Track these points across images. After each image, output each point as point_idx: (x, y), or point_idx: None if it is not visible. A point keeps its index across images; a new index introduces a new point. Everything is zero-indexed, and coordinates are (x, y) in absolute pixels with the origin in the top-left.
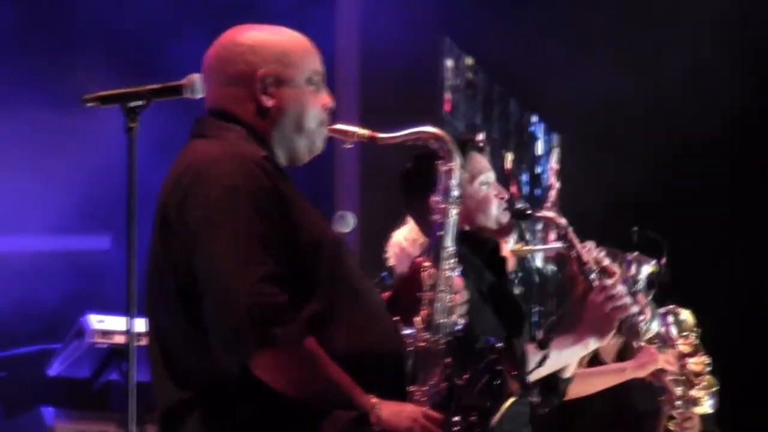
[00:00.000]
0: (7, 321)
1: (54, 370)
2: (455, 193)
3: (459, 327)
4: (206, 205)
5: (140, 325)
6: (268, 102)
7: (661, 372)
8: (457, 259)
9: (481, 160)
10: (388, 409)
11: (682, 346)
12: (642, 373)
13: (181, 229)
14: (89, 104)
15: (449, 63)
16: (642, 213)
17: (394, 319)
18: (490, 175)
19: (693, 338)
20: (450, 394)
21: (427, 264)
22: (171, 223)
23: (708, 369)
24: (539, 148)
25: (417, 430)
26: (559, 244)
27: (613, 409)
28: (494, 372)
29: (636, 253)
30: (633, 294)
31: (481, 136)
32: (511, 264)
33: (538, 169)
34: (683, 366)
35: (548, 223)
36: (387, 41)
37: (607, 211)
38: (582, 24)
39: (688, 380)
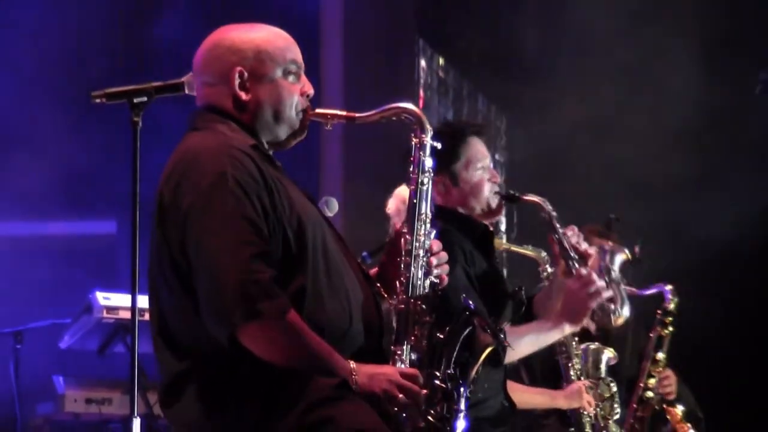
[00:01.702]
0: (26, 296)
1: (65, 342)
2: (428, 163)
3: (437, 287)
4: (197, 191)
5: (143, 301)
6: (245, 96)
7: (580, 409)
8: (431, 225)
9: (479, 145)
10: (364, 373)
11: (604, 387)
12: (566, 405)
13: (175, 214)
14: (97, 100)
15: (422, 63)
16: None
17: (378, 288)
18: (487, 161)
19: (613, 385)
20: (431, 349)
21: (404, 231)
22: (166, 208)
23: (615, 418)
24: (503, 141)
25: (393, 391)
26: (532, 250)
27: None
28: (470, 327)
29: (611, 243)
30: (607, 282)
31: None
32: None
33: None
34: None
35: (534, 207)
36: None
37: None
38: (551, 25)
39: (598, 422)
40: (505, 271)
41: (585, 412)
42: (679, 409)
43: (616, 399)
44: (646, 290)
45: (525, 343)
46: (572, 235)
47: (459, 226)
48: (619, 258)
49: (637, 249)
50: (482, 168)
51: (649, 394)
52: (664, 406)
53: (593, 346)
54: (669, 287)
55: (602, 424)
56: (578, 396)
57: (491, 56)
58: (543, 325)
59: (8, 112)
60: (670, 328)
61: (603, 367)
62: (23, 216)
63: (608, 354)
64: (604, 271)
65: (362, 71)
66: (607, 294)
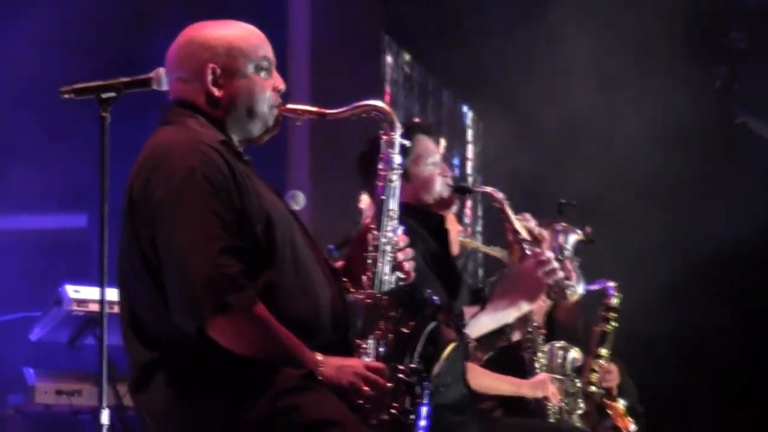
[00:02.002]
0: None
1: (35, 335)
2: (396, 160)
3: (402, 282)
4: (167, 186)
5: (112, 294)
6: (218, 92)
7: (545, 399)
8: (398, 221)
9: (428, 142)
10: (331, 365)
11: (569, 383)
12: (531, 394)
13: (145, 209)
14: (65, 95)
15: (389, 59)
16: None
17: (344, 281)
18: (437, 157)
19: (578, 382)
20: (396, 343)
21: (372, 227)
22: (137, 202)
23: (578, 413)
24: (469, 134)
25: (359, 383)
26: (499, 251)
27: None
28: (435, 322)
29: (564, 224)
30: (561, 260)
31: (428, 120)
32: (456, 250)
33: (469, 153)
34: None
35: (487, 197)
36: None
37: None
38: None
39: (562, 416)
40: (481, 272)
41: (549, 404)
42: (621, 404)
43: (580, 395)
44: (590, 285)
45: (483, 322)
46: (526, 221)
47: (415, 218)
48: (572, 238)
49: (588, 229)
50: (432, 163)
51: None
52: (606, 401)
53: (559, 344)
54: (612, 284)
55: (566, 418)
56: (543, 386)
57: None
58: (499, 303)
59: None
60: (613, 324)
61: (568, 365)
62: None
63: (574, 354)
64: (558, 250)
65: (330, 67)
66: (562, 272)
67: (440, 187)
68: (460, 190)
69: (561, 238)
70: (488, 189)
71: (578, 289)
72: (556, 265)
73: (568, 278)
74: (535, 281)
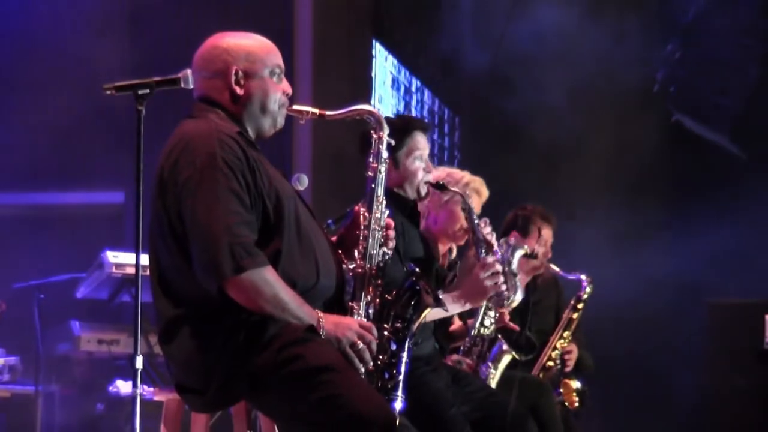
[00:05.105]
0: (49, 255)
1: (80, 293)
2: (384, 155)
3: (388, 256)
4: (192, 167)
5: (146, 259)
6: (240, 91)
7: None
8: (385, 206)
9: (421, 139)
10: (330, 321)
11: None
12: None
13: (173, 187)
14: (108, 92)
15: (377, 62)
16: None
17: (339, 253)
18: (425, 153)
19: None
20: (381, 307)
21: (363, 209)
22: (166, 181)
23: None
24: (445, 128)
25: (353, 338)
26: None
27: None
28: (415, 289)
29: (514, 238)
30: (506, 273)
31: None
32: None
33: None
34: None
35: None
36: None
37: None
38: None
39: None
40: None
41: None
42: (575, 384)
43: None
44: (568, 274)
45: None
46: (484, 226)
47: (394, 203)
48: (519, 252)
49: (536, 248)
50: (420, 158)
51: (550, 363)
52: (564, 379)
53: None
54: (585, 277)
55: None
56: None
57: (436, 57)
58: (446, 297)
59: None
60: (579, 312)
61: (515, 260)
62: (47, 187)
63: (521, 251)
64: (505, 263)
65: (327, 69)
66: (504, 286)
67: (420, 180)
68: (436, 186)
69: (509, 252)
70: (456, 189)
71: (515, 299)
72: (501, 278)
73: (508, 289)
74: (480, 286)
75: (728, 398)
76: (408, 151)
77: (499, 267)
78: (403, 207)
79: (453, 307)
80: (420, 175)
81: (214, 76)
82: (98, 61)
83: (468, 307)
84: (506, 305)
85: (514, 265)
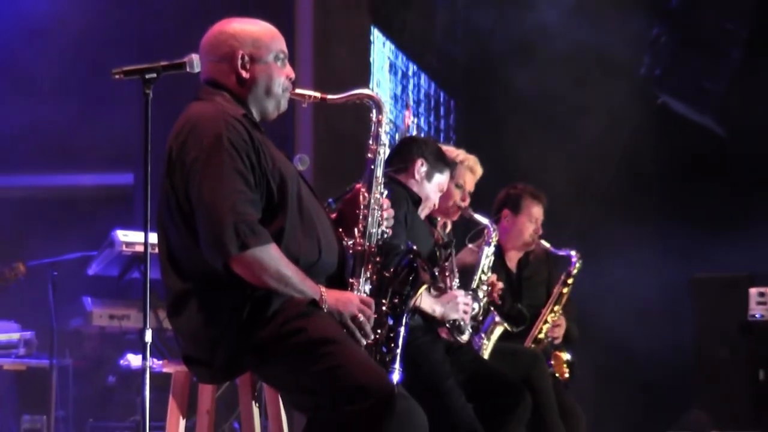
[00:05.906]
0: (62, 233)
1: (92, 270)
2: (383, 137)
3: (386, 235)
4: (199, 148)
5: (154, 238)
6: (245, 74)
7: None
8: (383, 186)
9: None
10: (332, 296)
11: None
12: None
13: (181, 167)
14: (116, 76)
15: (375, 47)
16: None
17: (339, 231)
18: (445, 186)
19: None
20: (380, 283)
21: (363, 189)
22: (174, 161)
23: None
24: (441, 111)
25: (354, 311)
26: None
27: None
28: (412, 267)
29: (498, 317)
30: (474, 312)
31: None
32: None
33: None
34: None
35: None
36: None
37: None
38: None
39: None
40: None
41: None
42: (566, 356)
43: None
44: (559, 250)
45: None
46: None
47: (407, 193)
48: (498, 330)
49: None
50: (441, 191)
51: (541, 335)
52: (555, 351)
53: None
54: (575, 253)
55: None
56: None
57: (432, 43)
58: (426, 298)
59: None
60: (569, 287)
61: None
62: (60, 170)
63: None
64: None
65: (328, 54)
66: (469, 320)
67: (434, 201)
68: (446, 245)
69: (491, 321)
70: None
71: (464, 337)
72: (473, 310)
73: (464, 326)
74: (454, 307)
75: (713, 370)
76: (437, 186)
77: (475, 304)
78: (412, 197)
79: (427, 307)
80: (433, 205)
81: (221, 60)
82: (108, 44)
83: (437, 314)
84: (457, 337)
85: (477, 309)
